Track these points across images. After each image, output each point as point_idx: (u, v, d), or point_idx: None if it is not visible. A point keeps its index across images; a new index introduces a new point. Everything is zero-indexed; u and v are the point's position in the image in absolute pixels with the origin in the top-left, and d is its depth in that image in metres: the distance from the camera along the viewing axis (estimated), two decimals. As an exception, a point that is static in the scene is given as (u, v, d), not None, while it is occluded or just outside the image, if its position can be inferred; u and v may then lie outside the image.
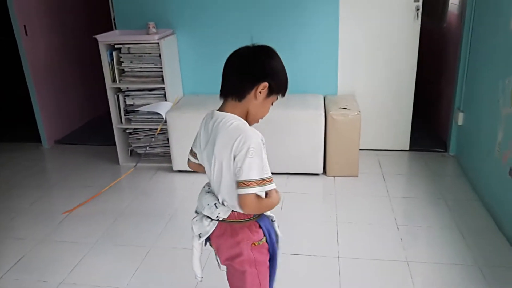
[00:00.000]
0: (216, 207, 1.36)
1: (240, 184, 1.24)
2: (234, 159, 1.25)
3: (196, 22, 3.40)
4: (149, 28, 3.27)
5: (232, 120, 1.29)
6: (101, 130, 4.09)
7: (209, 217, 1.38)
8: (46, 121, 3.97)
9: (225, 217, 1.36)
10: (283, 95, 1.37)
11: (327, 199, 2.90)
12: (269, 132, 3.04)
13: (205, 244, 1.50)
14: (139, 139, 3.49)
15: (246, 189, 1.23)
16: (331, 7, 3.21)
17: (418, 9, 3.14)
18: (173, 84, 3.37)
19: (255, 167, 1.24)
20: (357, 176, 3.14)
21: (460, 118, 3.19)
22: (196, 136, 1.46)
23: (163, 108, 3.22)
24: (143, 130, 3.44)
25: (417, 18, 3.16)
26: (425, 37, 4.48)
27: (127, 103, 3.39)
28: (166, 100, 3.29)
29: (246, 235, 1.36)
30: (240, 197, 1.26)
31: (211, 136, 1.31)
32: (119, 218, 2.76)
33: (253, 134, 1.26)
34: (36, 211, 2.91)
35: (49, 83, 4.00)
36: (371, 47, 3.29)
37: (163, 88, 3.26)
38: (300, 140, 3.09)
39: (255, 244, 1.37)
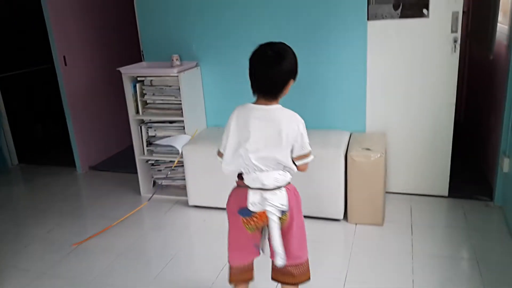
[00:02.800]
0: (284, 173, 1.66)
1: (305, 155, 1.67)
2: (296, 137, 1.63)
3: (220, 55, 3.33)
4: (172, 60, 3.25)
5: (282, 109, 1.66)
6: (133, 158, 4.13)
7: (277, 188, 1.65)
8: (81, 147, 4.10)
9: (289, 179, 1.69)
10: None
11: (342, 251, 2.62)
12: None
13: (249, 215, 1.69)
14: (160, 170, 3.46)
15: (309, 157, 1.68)
16: (359, 39, 2.98)
17: (456, 41, 2.81)
18: (194, 117, 3.30)
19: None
20: (381, 225, 2.83)
21: (506, 165, 2.77)
22: (237, 133, 1.67)
23: (180, 141, 3.16)
24: (164, 161, 3.41)
25: (455, 51, 2.83)
26: (472, 71, 4.09)
27: (150, 134, 3.38)
28: (185, 133, 3.23)
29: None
30: (305, 165, 1.69)
31: (274, 123, 1.62)
32: (122, 256, 2.70)
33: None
34: (49, 240, 2.95)
35: (85, 111, 4.13)
36: (403, 81, 3.00)
37: (182, 121, 3.20)
38: (319, 181, 2.86)
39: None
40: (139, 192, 3.53)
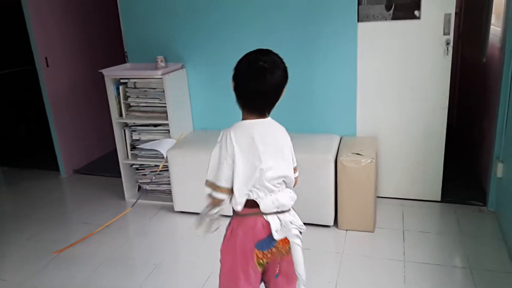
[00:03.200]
0: (292, 190, 1.49)
1: (295, 168, 1.55)
2: (290, 149, 1.53)
3: (206, 56, 3.23)
4: (157, 62, 3.15)
5: (273, 121, 1.51)
6: (118, 162, 4.02)
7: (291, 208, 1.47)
8: (64, 150, 3.97)
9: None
10: None
11: (332, 258, 2.54)
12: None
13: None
14: (145, 175, 3.36)
15: (297, 171, 1.57)
16: (349, 40, 2.89)
17: (448, 43, 2.74)
18: (180, 119, 3.20)
19: None
20: (372, 232, 2.75)
21: (499, 169, 2.71)
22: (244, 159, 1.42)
23: (164, 145, 3.06)
24: (149, 166, 3.30)
25: (448, 53, 2.76)
26: (464, 73, 4.03)
27: (134, 138, 3.27)
28: (170, 137, 3.13)
29: None
30: (296, 179, 1.55)
31: (276, 136, 1.49)
32: (103, 264, 2.59)
33: None
34: (28, 248, 2.83)
35: (68, 113, 4.01)
36: (395, 84, 2.93)
37: (167, 124, 3.10)
38: (308, 186, 2.76)
39: None
40: (123, 197, 3.42)
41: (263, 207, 1.42)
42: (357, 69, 2.94)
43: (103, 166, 4.17)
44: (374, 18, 2.83)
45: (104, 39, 4.35)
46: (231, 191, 1.43)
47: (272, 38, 3.03)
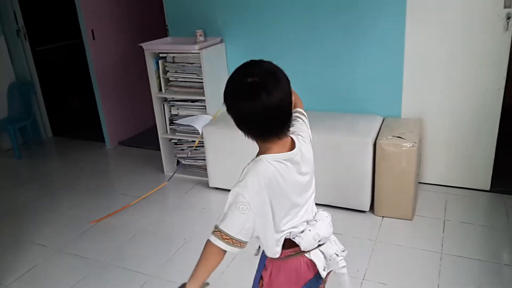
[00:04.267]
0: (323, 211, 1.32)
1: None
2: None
3: (246, 30, 3.14)
4: (196, 36, 3.11)
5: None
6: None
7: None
8: (110, 122, 4.09)
9: None
10: None
11: (364, 245, 2.43)
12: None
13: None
14: (182, 149, 3.38)
15: None
16: (396, 13, 2.69)
17: (509, 18, 2.46)
18: (217, 96, 3.16)
19: None
20: (411, 220, 2.60)
21: (559, 160, 2.45)
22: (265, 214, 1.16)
23: (200, 121, 3.04)
24: (187, 141, 3.32)
25: (508, 29, 2.48)
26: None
27: (172, 113, 3.29)
28: (207, 113, 3.10)
29: None
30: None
31: (305, 172, 1.21)
32: (137, 236, 2.66)
33: None
34: (69, 217, 2.96)
35: (114, 86, 4.10)
36: (446, 62, 2.69)
37: (203, 100, 3.08)
38: (345, 169, 2.66)
39: None
40: (162, 170, 3.48)
41: (304, 246, 1.21)
42: (404, 45, 2.73)
43: (146, 139, 4.25)
44: (426, -11, 2.60)
45: (147, 13, 4.36)
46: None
47: (314, 14, 2.89)
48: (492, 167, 2.79)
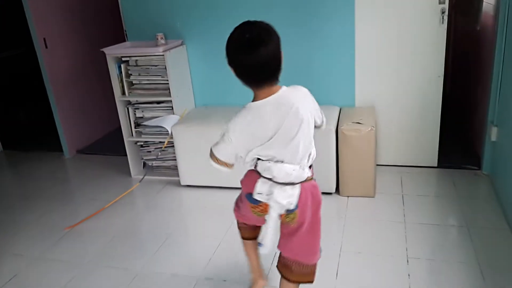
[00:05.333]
0: (303, 169, 1.52)
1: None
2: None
3: (205, 32, 3.27)
4: (157, 39, 3.19)
5: (293, 89, 1.55)
6: (122, 140, 4.09)
7: (291, 184, 1.50)
8: (67, 131, 4.02)
9: (310, 175, 1.57)
10: None
11: (335, 222, 2.65)
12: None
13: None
14: (149, 151, 3.43)
15: None
16: (346, 11, 2.95)
17: (443, 12, 2.81)
18: (182, 96, 3.26)
19: None
20: (373, 197, 2.86)
21: (493, 133, 2.82)
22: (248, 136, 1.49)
23: (169, 121, 3.12)
24: (154, 142, 3.37)
25: (443, 22, 2.83)
26: (459, 41, 4.11)
27: (137, 115, 3.33)
28: (173, 113, 3.19)
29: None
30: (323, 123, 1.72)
31: (293, 112, 1.45)
32: (116, 237, 2.69)
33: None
34: (41, 225, 2.91)
35: (69, 94, 4.04)
36: (391, 54, 3.00)
37: (170, 101, 3.16)
38: (311, 156, 2.87)
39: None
40: (129, 174, 3.50)
41: (258, 169, 1.54)
42: (355, 40, 3.01)
43: (105, 146, 4.23)
44: (370, -11, 2.88)
45: (102, 19, 4.36)
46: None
47: (271, 12, 3.08)
48: (437, 146, 3.14)
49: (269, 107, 1.44)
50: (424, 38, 2.91)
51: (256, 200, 1.56)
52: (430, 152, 3.16)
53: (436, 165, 3.17)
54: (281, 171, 1.49)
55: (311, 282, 1.70)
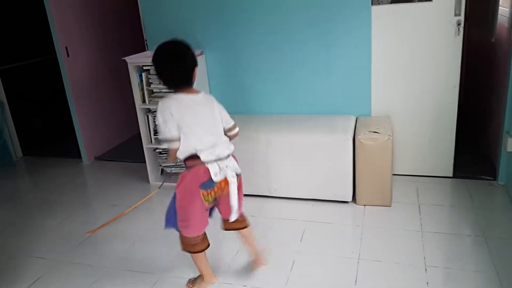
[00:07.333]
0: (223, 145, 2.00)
1: (233, 126, 2.12)
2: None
3: (224, 42, 3.35)
4: (177, 48, 3.26)
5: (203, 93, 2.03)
6: (140, 147, 4.16)
7: (227, 157, 1.97)
8: (86, 138, 4.11)
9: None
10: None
11: (353, 231, 2.69)
12: (294, 156, 2.92)
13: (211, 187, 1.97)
14: (168, 158, 3.49)
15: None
16: (363, 23, 3.01)
17: (459, 24, 2.85)
18: (200, 104, 3.33)
19: None
20: (389, 206, 2.89)
21: (509, 144, 2.84)
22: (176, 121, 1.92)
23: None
24: (172, 150, 3.43)
25: (459, 34, 2.88)
26: (471, 53, 4.14)
27: (156, 123, 3.39)
28: (192, 121, 3.25)
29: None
30: (235, 134, 2.13)
31: (208, 104, 2.01)
32: (137, 242, 2.74)
33: None
34: (62, 230, 2.98)
35: (89, 101, 4.14)
36: (407, 64, 3.05)
37: (189, 109, 3.23)
38: (327, 165, 2.91)
39: None
40: (147, 181, 3.56)
41: (203, 158, 1.90)
42: (371, 51, 3.06)
43: (122, 152, 4.31)
44: (387, 1, 2.94)
45: (122, 28, 4.46)
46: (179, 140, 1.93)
47: (290, 22, 3.16)
48: (453, 156, 3.16)
49: (184, 99, 1.97)
50: (440, 49, 2.95)
51: (212, 183, 1.92)
52: (445, 162, 3.18)
53: (451, 175, 3.20)
54: (222, 148, 1.97)
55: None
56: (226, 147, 1.99)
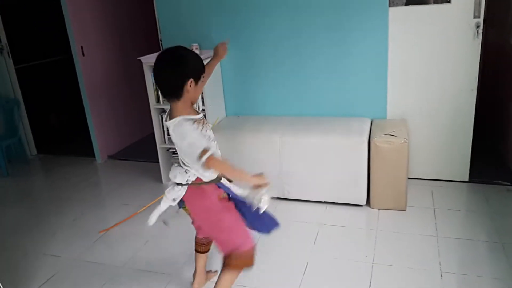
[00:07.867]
0: (186, 172, 1.83)
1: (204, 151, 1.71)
2: None
3: (239, 43, 3.34)
4: (192, 49, 3.26)
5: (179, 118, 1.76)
6: (153, 147, 4.17)
7: (180, 184, 1.85)
8: (100, 136, 4.13)
9: (194, 179, 1.83)
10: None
11: (367, 234, 2.66)
12: (308, 158, 2.90)
13: (180, 207, 2.00)
14: (181, 159, 3.49)
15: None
16: (380, 26, 2.98)
17: (478, 26, 2.81)
18: (214, 105, 3.33)
19: None
20: (404, 210, 2.86)
21: (528, 149, 2.80)
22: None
23: (202, 129, 3.18)
24: (185, 150, 3.44)
25: (477, 36, 2.83)
26: (488, 56, 4.08)
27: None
28: (206, 122, 3.25)
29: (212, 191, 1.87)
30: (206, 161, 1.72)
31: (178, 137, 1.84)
32: (150, 241, 2.75)
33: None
34: (76, 228, 3.00)
35: (103, 100, 4.17)
36: (424, 67, 3.01)
37: (203, 110, 3.23)
38: (342, 167, 2.89)
39: (219, 197, 1.89)
40: (160, 180, 3.57)
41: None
42: (388, 53, 3.03)
43: (135, 152, 4.33)
44: (404, 3, 2.91)
45: (136, 28, 4.49)
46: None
47: (305, 24, 3.14)
48: (469, 161, 3.12)
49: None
50: (458, 52, 2.91)
51: (180, 204, 1.96)
52: (461, 167, 3.14)
53: (467, 179, 3.15)
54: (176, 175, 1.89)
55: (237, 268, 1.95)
56: (174, 175, 1.89)
